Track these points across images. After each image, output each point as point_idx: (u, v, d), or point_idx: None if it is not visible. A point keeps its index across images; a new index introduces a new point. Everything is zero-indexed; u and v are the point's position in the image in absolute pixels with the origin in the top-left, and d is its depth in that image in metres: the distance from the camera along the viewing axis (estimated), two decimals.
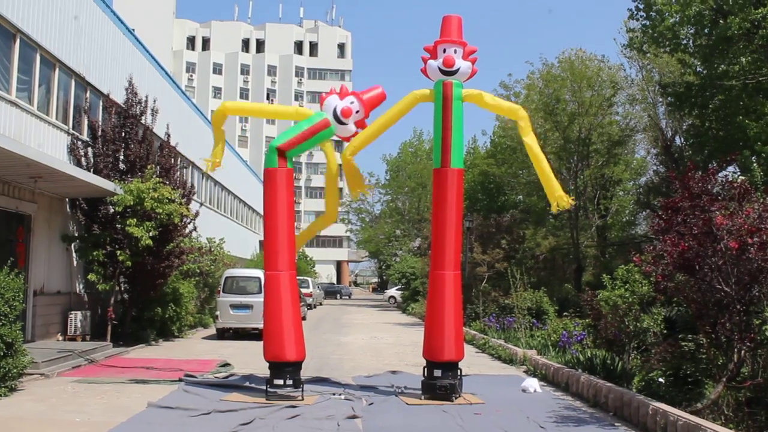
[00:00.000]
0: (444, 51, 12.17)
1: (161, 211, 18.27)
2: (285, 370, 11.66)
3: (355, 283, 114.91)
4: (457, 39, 12.26)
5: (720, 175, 11.02)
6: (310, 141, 12.63)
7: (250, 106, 15.19)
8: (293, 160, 12.73)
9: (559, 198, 12.15)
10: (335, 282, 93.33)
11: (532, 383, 13.15)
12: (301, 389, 11.66)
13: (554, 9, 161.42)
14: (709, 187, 10.42)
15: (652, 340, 12.40)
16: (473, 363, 16.79)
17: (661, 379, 11.33)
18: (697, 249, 9.79)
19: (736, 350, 9.82)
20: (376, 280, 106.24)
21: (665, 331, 12.68)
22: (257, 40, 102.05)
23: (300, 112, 13.53)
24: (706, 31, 22.60)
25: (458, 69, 12.13)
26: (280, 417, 10.27)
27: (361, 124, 12.67)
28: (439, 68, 12.16)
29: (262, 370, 13.05)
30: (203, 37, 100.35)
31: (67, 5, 18.32)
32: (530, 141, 12.55)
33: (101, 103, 20.52)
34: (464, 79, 12.31)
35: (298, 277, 12.97)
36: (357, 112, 12.51)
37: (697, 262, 9.86)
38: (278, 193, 12.13)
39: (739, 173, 19.15)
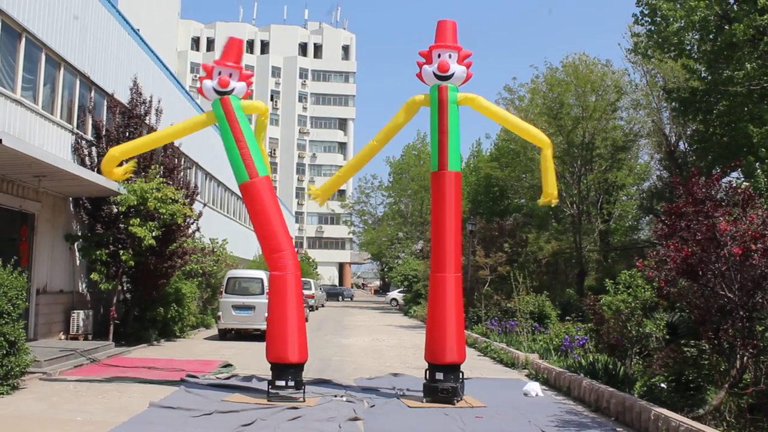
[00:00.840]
0: (439, 56, 12.26)
1: (164, 211, 18.30)
2: (287, 371, 11.66)
3: (361, 286, 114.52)
4: (451, 43, 12.37)
5: (724, 180, 11.04)
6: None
7: (138, 142, 14.38)
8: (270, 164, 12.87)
9: (551, 195, 12.49)
10: (337, 284, 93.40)
11: (534, 387, 13.13)
12: (302, 391, 11.66)
13: (555, 9, 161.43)
14: (713, 192, 10.42)
15: (655, 345, 12.40)
16: (475, 366, 16.78)
17: (663, 385, 11.31)
18: (701, 255, 9.79)
19: (738, 356, 9.81)
20: (378, 282, 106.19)
21: (668, 337, 12.68)
22: (262, 42, 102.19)
23: (198, 121, 13.85)
24: (711, 36, 22.60)
25: (453, 73, 12.23)
26: (282, 418, 10.27)
27: (244, 78, 12.92)
28: (434, 73, 12.25)
29: (264, 371, 13.05)
30: (208, 38, 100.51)
31: (72, 5, 18.36)
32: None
33: (105, 103, 20.55)
34: (459, 83, 12.40)
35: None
36: (230, 75, 12.76)
37: (701, 267, 9.85)
38: (265, 200, 12.24)
39: (743, 179, 19.13)
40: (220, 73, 12.69)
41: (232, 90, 12.67)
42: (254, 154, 12.38)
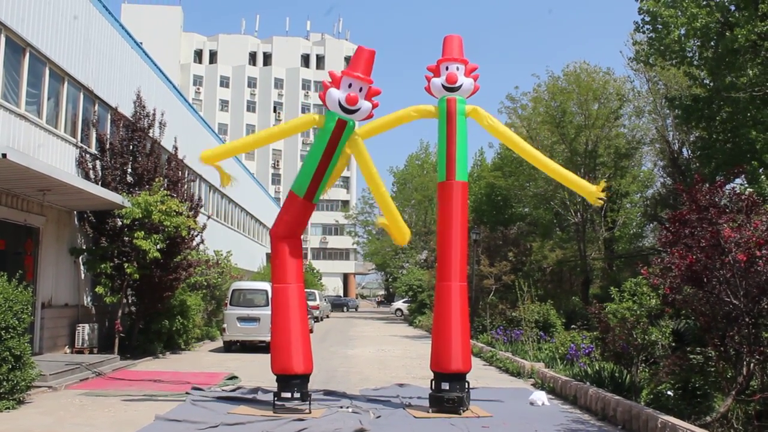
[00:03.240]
0: (446, 69, 12.46)
1: (169, 223, 18.33)
2: (292, 382, 11.66)
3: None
4: (458, 57, 12.54)
5: (728, 187, 11.00)
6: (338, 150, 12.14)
7: (232, 145, 13.63)
8: None
9: (595, 193, 12.70)
10: (342, 294, 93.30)
11: (540, 396, 13.10)
12: (308, 402, 11.64)
13: (557, 18, 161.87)
14: (717, 199, 10.41)
15: (661, 352, 12.38)
16: (481, 376, 16.75)
17: (669, 392, 11.27)
18: (705, 262, 9.77)
19: (745, 363, 9.78)
20: (382, 292, 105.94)
21: (674, 344, 12.67)
22: (264, 53, 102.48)
23: (306, 120, 13.05)
24: (712, 43, 22.64)
25: (461, 85, 12.42)
26: (288, 430, 10.25)
27: (373, 93, 12.07)
28: (443, 85, 12.45)
29: (270, 383, 13.04)
30: (210, 51, 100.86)
31: (77, 21, 18.43)
32: (530, 148, 13.06)
33: (109, 116, 20.63)
34: (467, 96, 12.58)
35: (305, 290, 12.95)
36: (360, 90, 11.89)
37: (705, 274, 9.83)
38: (291, 213, 12.26)
39: (746, 185, 19.11)
40: (350, 86, 11.81)
41: (358, 110, 11.86)
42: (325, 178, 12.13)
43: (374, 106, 12.11)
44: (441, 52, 12.70)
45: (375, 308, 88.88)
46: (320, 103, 12.94)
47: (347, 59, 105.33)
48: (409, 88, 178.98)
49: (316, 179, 11.98)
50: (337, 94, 11.82)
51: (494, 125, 12.97)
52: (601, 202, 12.95)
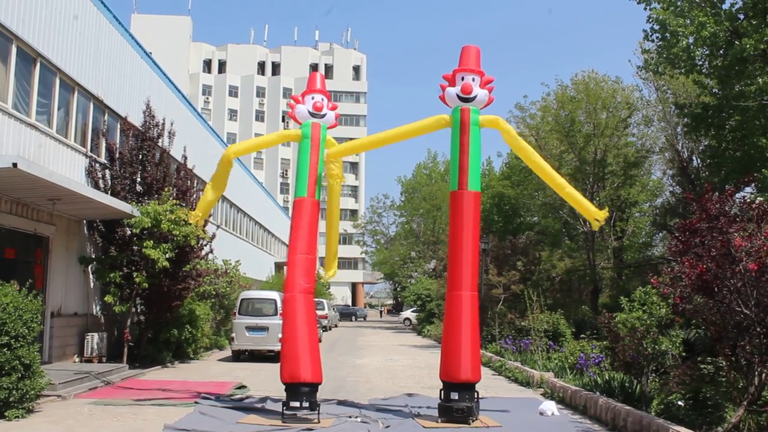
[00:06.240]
0: (462, 79, 12.54)
1: (178, 233, 18.36)
2: (301, 392, 11.63)
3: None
4: (475, 68, 12.64)
5: (738, 196, 10.95)
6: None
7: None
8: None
9: (596, 215, 12.71)
10: (350, 304, 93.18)
11: (550, 406, 13.03)
12: (317, 412, 11.61)
13: (567, 28, 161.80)
14: (727, 208, 10.35)
15: (671, 362, 12.31)
16: (490, 386, 16.69)
17: (680, 403, 11.21)
18: (716, 271, 9.72)
19: (756, 373, 9.71)
20: (391, 301, 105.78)
21: (684, 354, 12.60)
22: (273, 63, 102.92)
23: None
24: (721, 52, 22.58)
25: (476, 96, 12.48)
26: None
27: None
28: (457, 95, 12.51)
29: (278, 392, 13.02)
30: (219, 60, 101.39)
31: (86, 30, 18.55)
32: (540, 161, 13.21)
33: (119, 126, 20.70)
34: (481, 107, 12.65)
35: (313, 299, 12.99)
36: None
37: (716, 284, 9.78)
38: (302, 220, 12.45)
39: (757, 194, 19.03)
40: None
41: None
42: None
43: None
44: (458, 62, 12.80)
45: (380, 318, 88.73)
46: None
47: (355, 69, 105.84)
48: (417, 98, 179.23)
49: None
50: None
51: (508, 129, 13.03)
52: (598, 225, 13.04)
